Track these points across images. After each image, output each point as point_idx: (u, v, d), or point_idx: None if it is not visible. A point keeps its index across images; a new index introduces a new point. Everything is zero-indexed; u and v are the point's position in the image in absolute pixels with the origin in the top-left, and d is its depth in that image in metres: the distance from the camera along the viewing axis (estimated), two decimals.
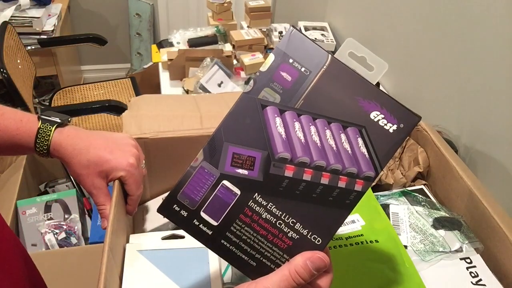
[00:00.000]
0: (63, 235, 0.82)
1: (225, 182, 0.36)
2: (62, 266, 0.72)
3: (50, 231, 0.82)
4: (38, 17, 1.81)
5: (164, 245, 0.55)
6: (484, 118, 0.97)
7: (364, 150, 0.35)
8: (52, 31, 1.86)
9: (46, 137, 0.52)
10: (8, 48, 1.51)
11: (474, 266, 0.55)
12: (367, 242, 0.57)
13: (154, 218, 0.70)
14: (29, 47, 1.79)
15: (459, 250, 0.57)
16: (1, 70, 1.38)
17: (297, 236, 0.36)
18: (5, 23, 1.59)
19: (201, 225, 0.36)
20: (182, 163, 0.69)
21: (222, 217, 0.36)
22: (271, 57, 0.36)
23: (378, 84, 1.39)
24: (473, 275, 0.54)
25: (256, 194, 0.35)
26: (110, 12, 2.43)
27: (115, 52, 2.57)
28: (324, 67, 0.35)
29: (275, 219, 0.36)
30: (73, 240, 0.82)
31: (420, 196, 0.66)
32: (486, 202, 0.58)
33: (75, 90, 1.92)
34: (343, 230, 0.59)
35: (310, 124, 0.35)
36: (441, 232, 0.60)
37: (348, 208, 0.35)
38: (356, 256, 0.56)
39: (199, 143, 0.67)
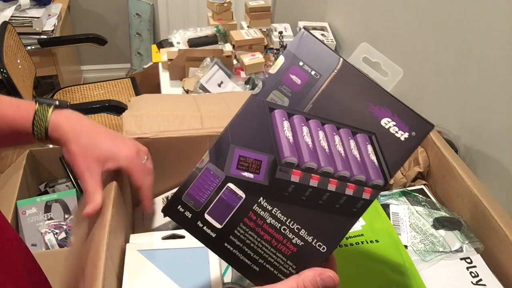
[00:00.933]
0: (63, 235, 0.82)
1: (230, 185, 0.35)
2: (62, 266, 0.72)
3: (50, 231, 0.82)
4: (38, 17, 1.81)
5: (165, 245, 0.55)
6: (484, 118, 0.97)
7: (373, 157, 0.34)
8: (52, 31, 1.86)
9: (44, 117, 0.50)
10: (8, 48, 1.51)
11: (474, 266, 0.55)
12: (367, 242, 0.57)
13: (154, 218, 0.70)
14: (29, 47, 1.79)
15: (459, 250, 0.57)
16: (1, 70, 1.38)
17: (302, 242, 0.35)
18: (5, 23, 1.59)
19: (204, 227, 0.36)
20: (182, 163, 0.69)
21: (226, 220, 0.35)
22: (281, 59, 0.35)
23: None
24: (473, 275, 0.54)
25: (261, 198, 0.35)
26: (110, 12, 2.43)
27: (115, 52, 2.56)
28: (335, 71, 0.35)
29: (279, 225, 0.35)
30: None
31: (420, 196, 0.66)
32: (486, 202, 0.58)
33: (75, 90, 1.92)
34: None
35: (319, 129, 0.35)
36: (441, 232, 0.60)
37: (355, 216, 0.34)
38: (356, 256, 0.56)
39: (199, 143, 0.68)
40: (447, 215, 0.62)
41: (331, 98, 0.34)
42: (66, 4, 2.15)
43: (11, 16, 1.77)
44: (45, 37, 1.84)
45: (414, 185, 0.72)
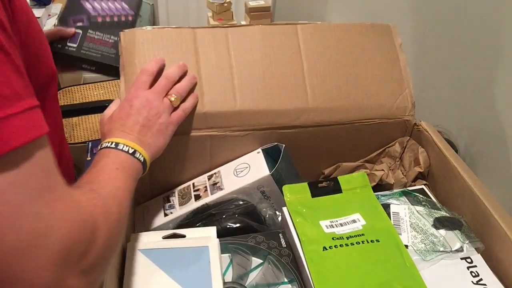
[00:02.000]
0: None
1: None
2: None
3: None
4: (38, 17, 1.81)
5: (165, 244, 0.55)
6: (484, 118, 0.97)
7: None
8: None
9: None
10: None
11: (475, 266, 0.55)
12: (367, 242, 0.57)
13: (154, 218, 0.70)
14: None
15: (460, 249, 0.57)
16: None
17: None
18: None
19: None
20: (183, 162, 0.69)
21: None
22: None
23: None
24: (473, 274, 0.54)
25: None
26: None
27: None
28: None
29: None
30: None
31: (421, 196, 0.66)
32: (487, 202, 0.58)
33: (75, 90, 1.91)
34: (344, 229, 0.59)
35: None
36: (442, 231, 0.60)
37: None
38: (356, 256, 0.56)
39: (200, 143, 0.68)
40: (448, 215, 0.62)
41: None
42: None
43: None
44: None
45: (414, 185, 0.72)
